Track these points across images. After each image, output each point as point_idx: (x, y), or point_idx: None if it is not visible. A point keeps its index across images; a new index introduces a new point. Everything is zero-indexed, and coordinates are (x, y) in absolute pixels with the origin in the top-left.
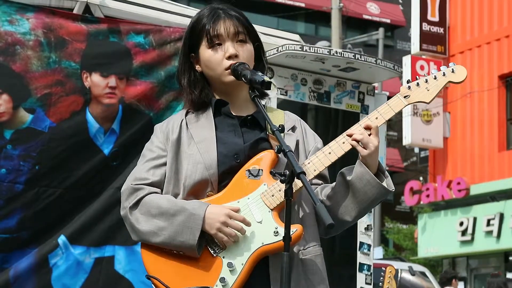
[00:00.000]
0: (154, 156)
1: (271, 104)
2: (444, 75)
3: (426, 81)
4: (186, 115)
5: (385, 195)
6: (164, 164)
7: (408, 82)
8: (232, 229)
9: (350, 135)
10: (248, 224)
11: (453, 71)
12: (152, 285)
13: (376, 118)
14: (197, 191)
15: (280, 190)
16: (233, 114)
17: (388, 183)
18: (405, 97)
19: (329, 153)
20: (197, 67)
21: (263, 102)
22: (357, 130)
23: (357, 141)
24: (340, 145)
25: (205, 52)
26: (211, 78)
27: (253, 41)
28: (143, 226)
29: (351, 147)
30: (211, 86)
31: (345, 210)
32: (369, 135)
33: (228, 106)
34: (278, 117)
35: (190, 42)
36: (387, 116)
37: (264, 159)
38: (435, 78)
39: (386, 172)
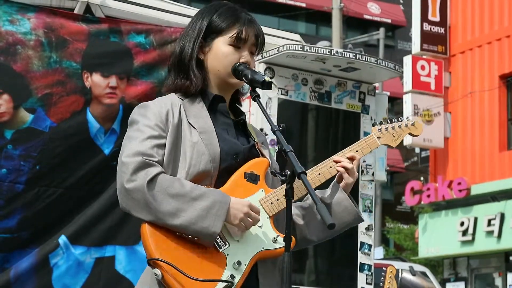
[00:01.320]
0: (156, 134)
1: (272, 104)
2: (406, 126)
3: (393, 128)
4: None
5: (357, 222)
6: (165, 145)
7: (374, 125)
8: (253, 221)
9: (336, 162)
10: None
11: (413, 125)
12: (155, 270)
13: (356, 151)
14: (196, 181)
15: (278, 200)
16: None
17: (359, 212)
18: (378, 137)
19: (319, 174)
20: (201, 55)
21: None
22: (343, 158)
23: (345, 169)
24: (328, 169)
25: (224, 46)
26: (215, 72)
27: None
28: (161, 204)
29: (337, 172)
30: (208, 78)
31: (313, 230)
32: None
33: (225, 104)
34: (252, 131)
35: (209, 28)
36: (365, 151)
37: (261, 165)
38: (399, 127)
39: (355, 202)
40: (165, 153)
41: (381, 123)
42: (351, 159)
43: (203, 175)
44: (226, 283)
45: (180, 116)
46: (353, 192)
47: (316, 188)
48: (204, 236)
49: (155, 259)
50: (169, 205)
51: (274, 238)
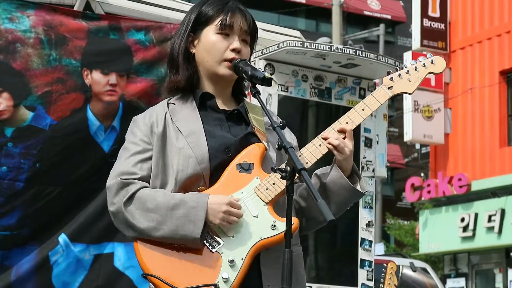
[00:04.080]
0: (140, 149)
1: (272, 100)
2: (424, 66)
3: (408, 72)
4: (168, 107)
5: (358, 197)
6: (150, 158)
7: (389, 73)
8: (235, 217)
9: (325, 138)
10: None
11: (432, 62)
12: (150, 283)
13: (363, 109)
14: (188, 185)
15: (274, 184)
16: (219, 108)
17: (361, 185)
18: (388, 88)
19: (310, 153)
20: (191, 48)
21: (247, 99)
22: (331, 134)
23: (334, 146)
24: (317, 148)
25: (211, 35)
26: (204, 63)
27: (250, 47)
28: (140, 221)
29: (327, 150)
30: (201, 73)
31: (319, 211)
32: (344, 138)
33: (215, 100)
34: (258, 113)
35: (196, 21)
36: (373, 107)
37: (253, 152)
38: (415, 69)
39: (360, 173)
40: (152, 165)
41: (397, 70)
42: (341, 131)
43: (194, 178)
44: (212, 286)
45: (165, 124)
46: None
47: (314, 168)
48: (188, 242)
49: (146, 275)
50: (150, 220)
51: (272, 225)
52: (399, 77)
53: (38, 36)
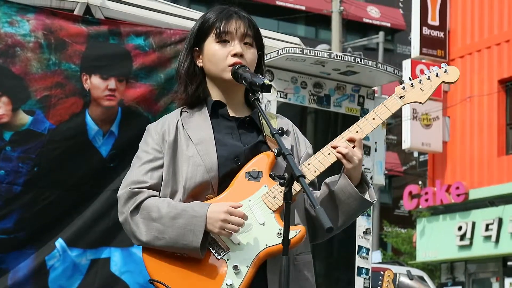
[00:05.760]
0: (151, 158)
1: (271, 107)
2: (437, 75)
3: (420, 81)
4: (181, 114)
5: (366, 207)
6: (161, 166)
7: (401, 82)
8: (234, 225)
9: (334, 147)
10: (246, 218)
11: (446, 72)
12: None
13: (373, 118)
14: (197, 193)
15: (281, 192)
16: (230, 116)
17: (370, 194)
18: (400, 97)
19: (318, 161)
20: (198, 62)
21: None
22: (340, 143)
23: (343, 155)
24: (326, 156)
25: (211, 45)
26: (211, 74)
27: (258, 48)
28: (142, 232)
29: (336, 159)
30: (209, 84)
31: (330, 219)
32: (353, 147)
33: (226, 108)
34: (272, 121)
35: (197, 35)
36: (384, 116)
37: (263, 161)
38: (428, 79)
39: (369, 182)
40: (164, 173)
41: (410, 79)
42: (351, 141)
43: (202, 186)
44: None
45: (176, 132)
46: None
47: (323, 177)
48: (189, 252)
49: (152, 281)
50: (153, 230)
51: (278, 233)
52: (412, 86)
53: (37, 40)
